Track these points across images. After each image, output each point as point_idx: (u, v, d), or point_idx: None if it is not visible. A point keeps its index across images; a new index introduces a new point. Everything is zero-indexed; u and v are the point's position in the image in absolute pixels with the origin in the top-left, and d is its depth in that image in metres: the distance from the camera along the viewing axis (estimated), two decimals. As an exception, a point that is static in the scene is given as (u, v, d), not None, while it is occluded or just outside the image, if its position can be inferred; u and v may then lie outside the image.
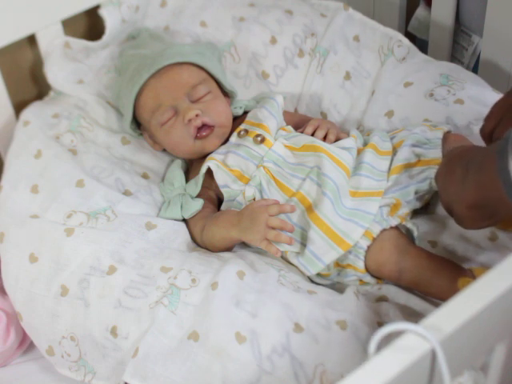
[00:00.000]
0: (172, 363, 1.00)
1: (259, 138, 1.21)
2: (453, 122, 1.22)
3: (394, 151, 1.19)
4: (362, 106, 1.34)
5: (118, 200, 1.19)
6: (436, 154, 1.15)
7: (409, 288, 1.07)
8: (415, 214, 1.17)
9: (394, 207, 1.11)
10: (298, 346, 0.97)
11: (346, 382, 0.66)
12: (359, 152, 1.20)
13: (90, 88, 1.37)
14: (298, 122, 1.30)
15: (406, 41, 1.36)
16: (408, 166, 1.15)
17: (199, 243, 1.19)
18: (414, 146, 1.17)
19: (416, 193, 1.13)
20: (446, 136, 1.17)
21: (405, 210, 1.11)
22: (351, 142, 1.20)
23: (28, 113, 1.33)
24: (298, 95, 1.39)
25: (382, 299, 1.06)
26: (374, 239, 1.08)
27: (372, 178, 1.15)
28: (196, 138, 1.23)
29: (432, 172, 1.14)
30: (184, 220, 1.22)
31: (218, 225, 1.15)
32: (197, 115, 1.22)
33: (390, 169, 1.17)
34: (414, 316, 1.01)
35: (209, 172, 1.21)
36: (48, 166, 1.22)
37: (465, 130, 1.20)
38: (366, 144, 1.22)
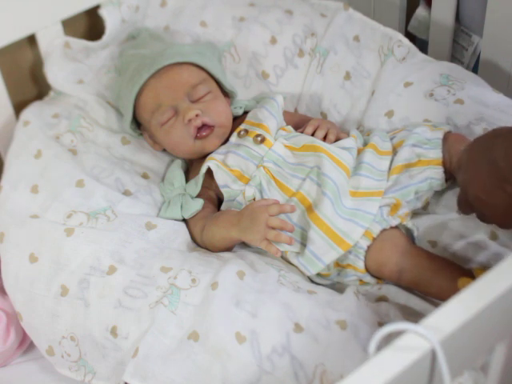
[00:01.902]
0: (172, 363, 1.00)
1: (259, 138, 1.21)
2: (453, 122, 1.22)
3: (395, 151, 1.19)
4: (362, 106, 1.33)
5: (118, 200, 1.19)
6: (436, 154, 1.15)
7: (409, 288, 1.07)
8: (415, 214, 1.17)
9: (394, 207, 1.11)
10: (298, 346, 0.97)
11: (346, 382, 0.66)
12: (359, 152, 1.20)
13: (90, 88, 1.37)
14: (298, 122, 1.30)
15: (405, 41, 1.36)
16: (408, 166, 1.15)
17: (199, 243, 1.19)
18: (414, 146, 1.16)
19: (416, 193, 1.13)
20: (447, 136, 1.17)
21: (405, 210, 1.11)
22: (351, 141, 1.20)
23: (28, 113, 1.33)
24: (298, 95, 1.39)
25: (381, 299, 1.06)
26: (374, 239, 1.08)
27: (372, 177, 1.15)
28: (196, 137, 1.23)
29: (432, 172, 1.14)
30: (184, 220, 1.22)
31: (217, 225, 1.15)
32: (197, 115, 1.22)
33: (390, 169, 1.17)
34: (414, 316, 1.01)
35: (209, 172, 1.21)
36: (48, 166, 1.22)
37: (465, 129, 1.20)
38: (366, 144, 1.22)
